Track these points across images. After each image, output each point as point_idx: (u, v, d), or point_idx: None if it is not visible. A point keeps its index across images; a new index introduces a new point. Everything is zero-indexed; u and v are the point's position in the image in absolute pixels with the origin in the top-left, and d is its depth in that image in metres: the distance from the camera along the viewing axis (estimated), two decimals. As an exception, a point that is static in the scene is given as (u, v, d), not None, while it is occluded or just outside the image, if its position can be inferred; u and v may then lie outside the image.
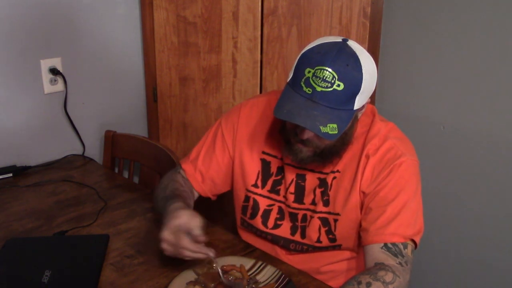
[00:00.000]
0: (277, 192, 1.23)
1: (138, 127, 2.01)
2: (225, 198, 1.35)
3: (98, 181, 1.61)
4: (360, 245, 1.19)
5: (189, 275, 1.07)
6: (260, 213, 1.25)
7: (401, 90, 1.88)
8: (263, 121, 1.25)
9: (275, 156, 1.23)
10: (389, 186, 1.10)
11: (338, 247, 1.20)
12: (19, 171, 1.64)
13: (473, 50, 1.65)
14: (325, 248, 1.21)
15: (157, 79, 1.90)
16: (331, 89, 0.99)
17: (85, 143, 1.84)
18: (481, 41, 1.63)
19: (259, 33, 1.73)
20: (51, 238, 1.25)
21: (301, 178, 1.20)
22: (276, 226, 1.24)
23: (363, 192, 1.13)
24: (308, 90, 1.01)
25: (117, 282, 1.09)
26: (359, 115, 1.13)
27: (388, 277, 1.00)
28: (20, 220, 1.35)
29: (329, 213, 1.17)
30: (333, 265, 1.24)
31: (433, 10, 1.73)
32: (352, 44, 1.05)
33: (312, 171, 1.19)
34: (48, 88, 1.71)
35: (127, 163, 1.86)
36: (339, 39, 1.06)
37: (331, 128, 1.00)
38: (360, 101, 1.04)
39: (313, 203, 1.19)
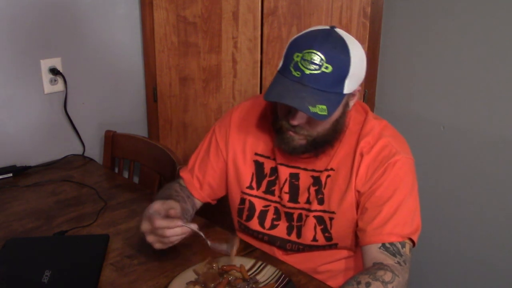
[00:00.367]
0: (272, 193, 1.23)
1: (138, 127, 2.01)
2: (225, 199, 1.35)
3: (98, 181, 1.61)
4: (357, 244, 1.19)
5: (189, 275, 1.07)
6: (256, 214, 1.25)
7: (401, 90, 1.88)
8: (254, 124, 1.26)
9: (267, 157, 1.23)
10: (384, 185, 1.10)
11: (335, 246, 1.20)
12: (19, 171, 1.64)
13: (473, 50, 1.65)
14: (322, 247, 1.21)
15: (157, 79, 1.90)
16: (320, 71, 1.01)
17: (85, 143, 1.84)
18: (481, 41, 1.63)
19: (259, 33, 1.73)
20: (51, 238, 1.25)
21: (294, 177, 1.20)
22: (273, 226, 1.24)
23: (358, 191, 1.13)
24: (297, 74, 1.02)
25: (117, 282, 1.09)
26: (351, 104, 1.13)
27: (387, 276, 1.00)
28: (20, 220, 1.35)
29: (324, 211, 1.18)
30: (330, 265, 1.24)
31: (433, 10, 1.73)
32: (340, 31, 1.07)
33: (305, 169, 1.19)
34: (48, 88, 1.71)
35: (127, 163, 1.86)
36: (327, 27, 1.08)
37: (321, 109, 1.01)
38: (349, 85, 1.05)
39: (308, 201, 1.19)
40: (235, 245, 1.07)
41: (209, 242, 1.07)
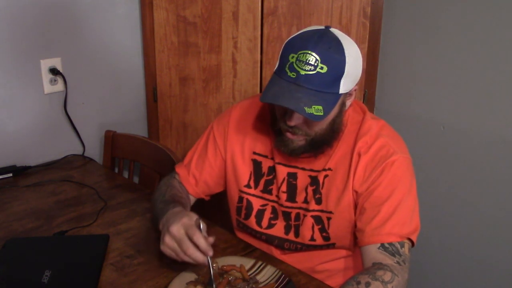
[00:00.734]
0: (270, 192, 1.24)
1: (138, 127, 2.01)
2: (225, 198, 1.35)
3: (98, 181, 1.61)
4: (355, 244, 1.19)
5: (189, 275, 1.07)
6: (254, 213, 1.25)
7: (401, 90, 1.88)
8: (253, 122, 1.26)
9: (265, 156, 1.24)
10: (382, 185, 1.10)
11: (332, 246, 1.21)
12: (19, 171, 1.64)
13: (473, 50, 1.65)
14: (319, 247, 1.21)
15: (157, 79, 1.90)
16: (315, 72, 1.01)
17: (85, 143, 1.84)
18: (481, 41, 1.63)
19: (259, 33, 1.73)
20: (51, 238, 1.25)
21: (292, 176, 1.20)
22: (270, 225, 1.24)
23: (356, 192, 1.13)
24: (293, 75, 1.02)
25: (117, 282, 1.09)
26: (347, 103, 1.13)
27: (387, 276, 1.00)
28: (20, 220, 1.35)
29: (321, 211, 1.18)
30: (328, 264, 1.24)
31: (433, 10, 1.73)
32: (334, 30, 1.07)
33: (303, 169, 1.19)
34: (48, 88, 1.71)
35: (127, 163, 1.86)
36: (322, 27, 1.08)
37: (316, 110, 1.01)
38: (345, 85, 1.05)
39: (306, 201, 1.19)
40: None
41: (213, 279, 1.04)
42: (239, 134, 1.26)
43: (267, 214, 1.25)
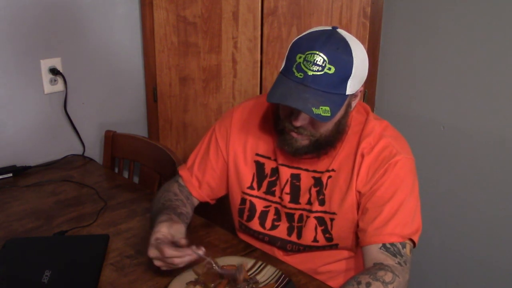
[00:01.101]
0: (273, 193, 1.23)
1: (138, 127, 2.01)
2: (225, 199, 1.35)
3: (98, 181, 1.61)
4: (358, 245, 1.19)
5: (189, 275, 1.07)
6: (257, 214, 1.25)
7: (401, 90, 1.88)
8: (255, 124, 1.26)
9: (268, 158, 1.23)
10: (385, 185, 1.10)
11: (335, 247, 1.20)
12: (19, 171, 1.64)
13: (473, 50, 1.65)
14: (322, 248, 1.21)
15: (157, 79, 1.90)
16: (322, 72, 1.00)
17: (85, 143, 1.84)
18: (481, 40, 1.63)
19: (259, 33, 1.73)
20: (51, 238, 1.25)
21: (296, 178, 1.20)
22: (273, 227, 1.24)
23: (359, 192, 1.13)
24: (300, 75, 1.02)
25: (117, 282, 1.09)
26: (353, 104, 1.13)
27: (388, 277, 1.00)
28: (20, 220, 1.35)
29: (325, 212, 1.18)
30: (330, 265, 1.24)
31: (433, 10, 1.73)
32: (342, 31, 1.07)
33: (307, 170, 1.19)
34: (48, 88, 1.71)
35: (127, 163, 1.86)
36: (329, 27, 1.08)
37: (324, 111, 1.00)
38: (352, 86, 1.04)
39: (309, 202, 1.19)
40: (242, 272, 1.07)
41: (218, 268, 1.06)
42: (241, 135, 1.26)
43: (271, 216, 1.24)
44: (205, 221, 1.35)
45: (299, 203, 1.20)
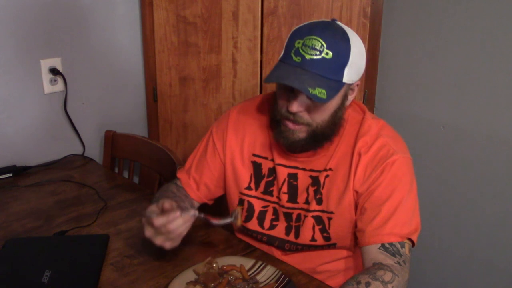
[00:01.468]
0: (271, 193, 1.23)
1: (138, 127, 2.01)
2: (224, 198, 1.35)
3: (98, 181, 1.61)
4: (356, 244, 1.19)
5: (189, 275, 1.07)
6: (255, 215, 1.25)
7: (401, 90, 1.88)
8: (252, 124, 1.26)
9: (265, 158, 1.23)
10: (382, 185, 1.10)
11: (333, 246, 1.21)
12: (19, 171, 1.64)
13: (473, 50, 1.65)
14: (320, 247, 1.21)
15: (157, 79, 1.90)
16: (320, 56, 1.02)
17: (85, 143, 1.84)
18: (481, 41, 1.63)
19: (259, 33, 1.73)
20: (51, 238, 1.25)
21: (293, 177, 1.20)
22: (272, 227, 1.24)
23: (356, 192, 1.13)
24: (298, 59, 1.04)
25: (117, 282, 1.09)
26: (350, 98, 1.13)
27: (387, 276, 1.00)
28: (20, 220, 1.35)
29: (322, 211, 1.18)
30: (329, 265, 1.24)
31: (433, 10, 1.73)
32: (340, 23, 1.10)
33: (304, 169, 1.19)
34: (48, 88, 1.71)
35: (127, 163, 1.86)
36: (328, 19, 1.11)
37: (320, 92, 1.01)
38: (349, 74, 1.05)
39: (307, 202, 1.19)
40: (239, 215, 1.07)
41: (213, 222, 1.08)
42: (238, 136, 1.26)
43: (269, 216, 1.24)
44: (205, 221, 1.34)
45: (297, 203, 1.20)
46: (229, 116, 1.29)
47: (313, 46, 1.02)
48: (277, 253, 1.26)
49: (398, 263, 1.05)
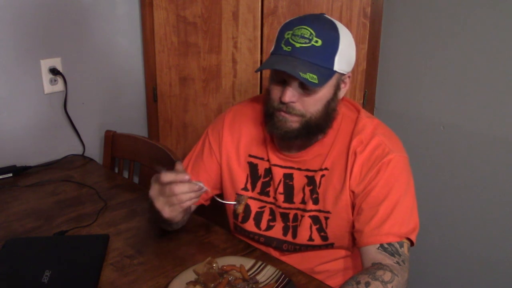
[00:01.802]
0: (267, 194, 1.23)
1: (138, 127, 2.01)
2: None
3: (98, 181, 1.61)
4: (354, 244, 1.19)
5: (189, 275, 1.07)
6: (252, 215, 1.25)
7: (401, 90, 1.88)
8: (247, 125, 1.26)
9: (261, 158, 1.23)
10: (379, 185, 1.10)
11: (331, 246, 1.20)
12: (19, 171, 1.64)
13: (473, 50, 1.65)
14: (318, 247, 1.21)
15: (157, 79, 1.90)
16: (310, 44, 1.03)
17: (85, 143, 1.84)
18: (481, 41, 1.63)
19: (259, 33, 1.73)
20: (51, 238, 1.25)
21: (288, 177, 1.20)
22: (269, 227, 1.24)
23: (353, 192, 1.13)
24: (288, 48, 1.05)
25: (117, 282, 1.09)
26: (342, 90, 1.13)
27: (387, 276, 1.00)
28: (20, 220, 1.35)
29: (319, 211, 1.18)
30: (327, 265, 1.24)
31: (433, 10, 1.73)
32: (329, 16, 1.11)
33: (299, 169, 1.19)
34: (48, 88, 1.71)
35: (127, 163, 1.86)
36: (317, 14, 1.13)
37: (311, 77, 1.02)
38: (340, 63, 1.06)
39: (303, 201, 1.19)
40: (243, 202, 1.07)
41: (217, 198, 1.09)
42: (233, 137, 1.26)
43: (266, 216, 1.24)
44: (205, 221, 1.35)
45: (293, 203, 1.20)
46: (224, 117, 1.29)
47: (303, 35, 1.04)
48: (275, 254, 1.26)
49: (398, 263, 1.05)
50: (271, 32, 1.71)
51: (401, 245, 1.07)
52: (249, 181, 1.25)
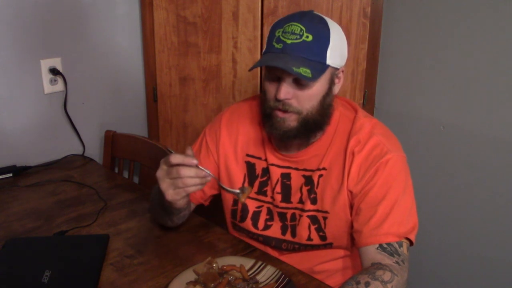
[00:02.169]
0: (265, 193, 1.23)
1: (138, 127, 2.01)
2: (221, 200, 1.35)
3: (98, 181, 1.61)
4: (353, 245, 1.19)
5: (189, 275, 1.07)
6: (249, 215, 1.25)
7: (401, 90, 1.88)
8: (245, 125, 1.26)
9: (259, 158, 1.24)
10: (377, 185, 1.10)
11: (330, 246, 1.20)
12: (19, 171, 1.64)
13: (473, 50, 1.65)
14: (317, 247, 1.21)
15: (157, 79, 1.90)
16: (301, 40, 1.04)
17: (85, 143, 1.84)
18: (481, 41, 1.63)
19: (259, 33, 1.73)
20: (51, 238, 1.25)
21: (286, 177, 1.20)
22: (266, 227, 1.24)
23: (351, 192, 1.13)
24: (279, 46, 1.06)
25: (117, 282, 1.09)
26: (337, 85, 1.13)
27: (387, 276, 1.00)
28: (20, 220, 1.35)
29: (317, 211, 1.18)
30: (326, 264, 1.24)
31: (433, 10, 1.73)
32: (318, 13, 1.12)
33: (297, 169, 1.19)
34: (48, 88, 1.71)
35: (127, 163, 1.86)
36: (305, 11, 1.13)
37: (304, 71, 1.02)
38: (332, 57, 1.06)
39: (301, 201, 1.19)
40: (246, 192, 1.07)
41: (222, 185, 1.11)
42: (231, 137, 1.26)
43: (263, 216, 1.24)
44: (205, 221, 1.35)
45: (291, 202, 1.20)
46: (222, 117, 1.29)
47: (293, 31, 1.04)
48: (274, 254, 1.26)
49: (397, 262, 1.05)
50: (271, 32, 1.71)
51: (400, 245, 1.07)
52: (247, 180, 1.25)
